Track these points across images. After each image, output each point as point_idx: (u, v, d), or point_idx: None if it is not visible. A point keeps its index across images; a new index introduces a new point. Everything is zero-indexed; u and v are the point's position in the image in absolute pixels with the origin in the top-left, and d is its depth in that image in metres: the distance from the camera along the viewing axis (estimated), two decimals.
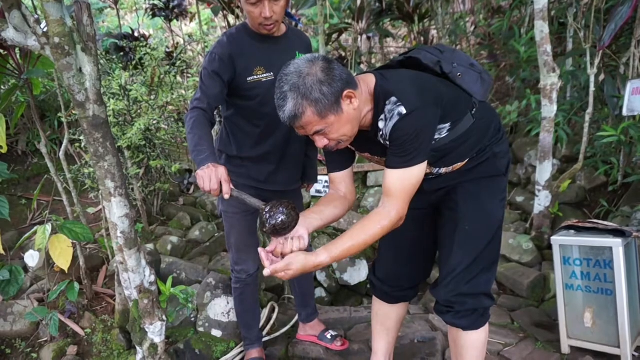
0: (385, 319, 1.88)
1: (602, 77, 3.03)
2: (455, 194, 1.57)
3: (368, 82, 1.40)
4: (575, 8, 3.40)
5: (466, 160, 1.54)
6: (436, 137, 1.42)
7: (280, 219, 1.34)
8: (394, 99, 1.34)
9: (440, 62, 1.50)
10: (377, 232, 1.37)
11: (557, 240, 2.12)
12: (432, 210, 1.67)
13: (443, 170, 1.55)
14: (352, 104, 1.32)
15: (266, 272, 1.32)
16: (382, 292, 1.83)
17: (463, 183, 1.57)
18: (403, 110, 1.31)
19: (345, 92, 1.29)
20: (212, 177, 1.42)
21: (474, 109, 1.49)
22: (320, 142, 1.35)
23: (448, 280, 1.56)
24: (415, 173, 1.37)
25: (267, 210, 1.37)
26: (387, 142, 1.39)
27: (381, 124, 1.38)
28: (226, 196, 1.43)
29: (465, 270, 1.54)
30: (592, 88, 2.87)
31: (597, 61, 2.83)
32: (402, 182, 1.37)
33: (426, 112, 1.34)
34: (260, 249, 1.36)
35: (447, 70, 1.49)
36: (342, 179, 1.58)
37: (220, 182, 1.42)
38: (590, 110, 2.91)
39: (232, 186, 1.45)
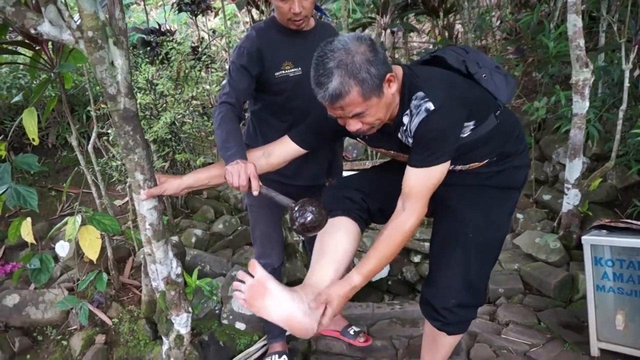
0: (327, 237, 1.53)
1: (637, 72, 2.93)
2: (462, 197, 1.54)
3: (397, 72, 1.38)
4: (608, 1, 3.29)
5: (484, 162, 1.52)
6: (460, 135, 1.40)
7: (309, 218, 1.35)
8: (421, 94, 1.31)
9: (465, 61, 1.48)
10: (400, 240, 1.38)
11: (588, 239, 2.06)
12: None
13: (459, 167, 1.52)
14: (391, 88, 1.30)
15: (321, 328, 1.33)
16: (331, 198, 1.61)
17: (473, 187, 1.54)
18: (431, 106, 1.29)
19: (388, 76, 1.27)
20: (241, 173, 1.42)
21: (498, 111, 1.48)
22: (355, 125, 1.32)
23: (448, 286, 1.54)
24: (437, 173, 1.35)
25: (296, 209, 1.37)
26: (410, 139, 1.37)
27: (405, 119, 1.36)
28: (255, 193, 1.44)
29: (465, 280, 1.53)
30: (626, 84, 2.78)
31: (632, 56, 2.74)
32: (424, 181, 1.35)
33: (453, 110, 1.32)
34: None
35: (473, 70, 1.47)
36: (290, 152, 1.59)
37: (249, 179, 1.43)
38: (624, 106, 2.81)
39: (260, 183, 1.46)
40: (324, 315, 1.30)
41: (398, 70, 1.39)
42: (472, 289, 1.55)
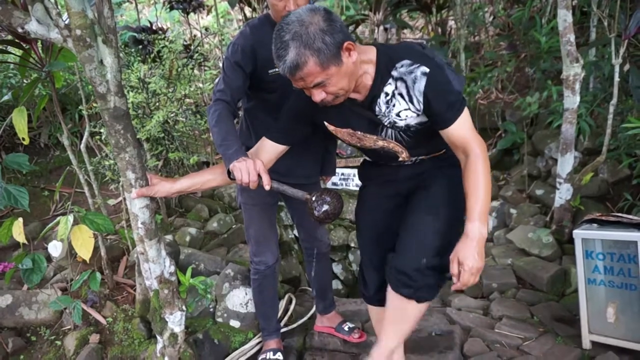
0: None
1: (627, 67, 2.95)
2: (428, 179, 1.61)
3: (367, 49, 1.43)
4: None
5: (443, 151, 1.59)
6: (423, 120, 1.46)
7: (328, 207, 1.44)
8: (407, 61, 1.39)
9: None
10: (484, 175, 1.38)
11: (579, 233, 2.08)
12: (403, 200, 1.68)
13: (421, 157, 1.61)
14: (351, 57, 1.33)
15: (457, 286, 1.41)
16: (374, 300, 1.85)
17: (438, 169, 1.62)
18: (425, 69, 1.37)
19: (345, 44, 1.30)
20: (250, 169, 1.43)
21: None
22: (318, 95, 1.35)
23: (416, 249, 1.51)
24: (467, 114, 1.43)
25: (314, 199, 1.46)
26: (406, 102, 1.42)
27: (388, 88, 1.41)
28: (267, 187, 1.45)
29: (435, 241, 1.50)
30: (616, 78, 2.80)
31: (622, 51, 2.75)
32: (464, 126, 1.41)
33: (443, 69, 1.41)
34: None
35: None
36: (273, 152, 1.60)
37: (259, 175, 1.44)
38: (614, 101, 2.83)
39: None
40: (468, 282, 1.37)
41: (370, 48, 1.44)
42: (440, 253, 1.51)
